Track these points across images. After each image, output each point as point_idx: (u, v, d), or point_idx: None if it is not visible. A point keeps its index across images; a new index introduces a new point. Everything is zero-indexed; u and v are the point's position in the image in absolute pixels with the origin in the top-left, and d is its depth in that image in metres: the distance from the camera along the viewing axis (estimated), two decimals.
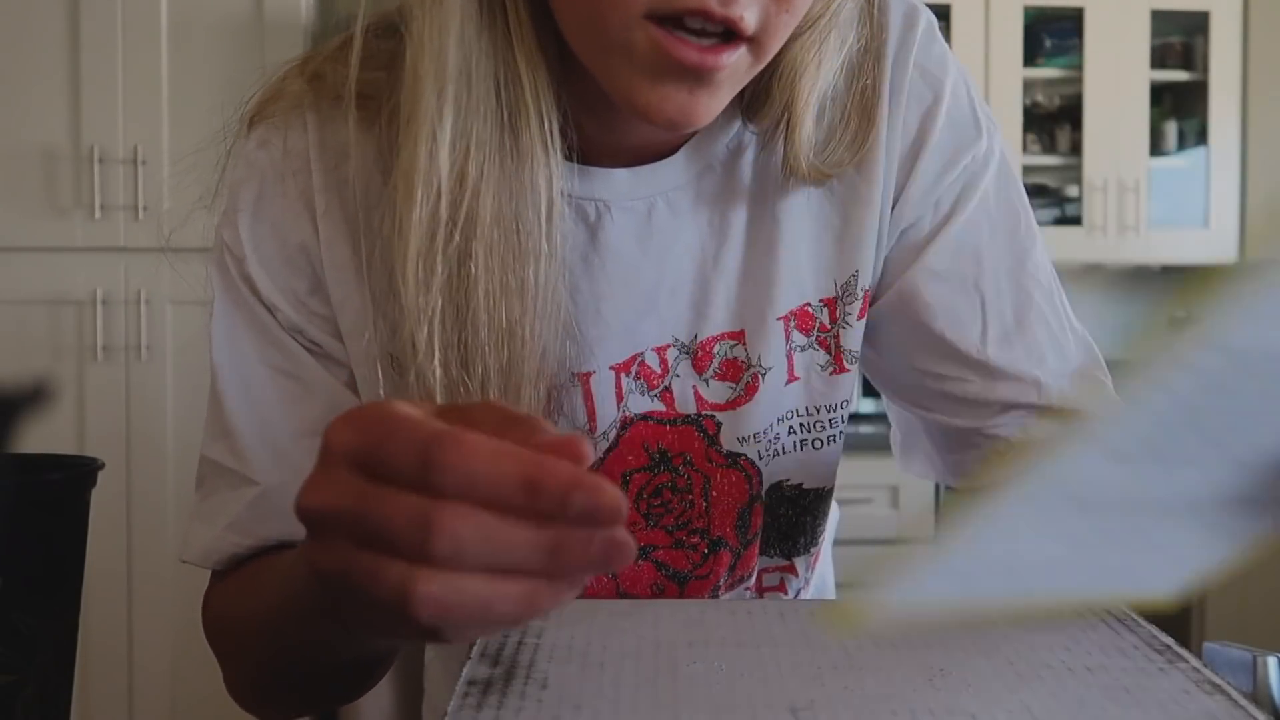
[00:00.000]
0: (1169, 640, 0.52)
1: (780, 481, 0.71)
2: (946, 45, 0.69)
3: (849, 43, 0.65)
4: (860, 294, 0.68)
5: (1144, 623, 0.55)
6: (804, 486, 0.72)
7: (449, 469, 0.34)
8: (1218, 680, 0.47)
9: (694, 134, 0.65)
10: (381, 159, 0.62)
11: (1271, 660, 0.58)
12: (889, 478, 2.63)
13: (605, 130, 0.64)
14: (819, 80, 0.63)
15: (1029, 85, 3.05)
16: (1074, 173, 3.04)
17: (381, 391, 0.63)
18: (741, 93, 0.62)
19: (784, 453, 0.70)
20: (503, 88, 0.58)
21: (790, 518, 0.73)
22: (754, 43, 0.55)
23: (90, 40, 2.37)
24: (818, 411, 0.70)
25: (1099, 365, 0.72)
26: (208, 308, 0.68)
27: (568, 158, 0.62)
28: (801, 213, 0.67)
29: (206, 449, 0.67)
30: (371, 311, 0.63)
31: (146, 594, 2.41)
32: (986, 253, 0.68)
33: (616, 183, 0.65)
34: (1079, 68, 2.98)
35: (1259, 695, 0.57)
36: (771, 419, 0.69)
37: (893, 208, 0.68)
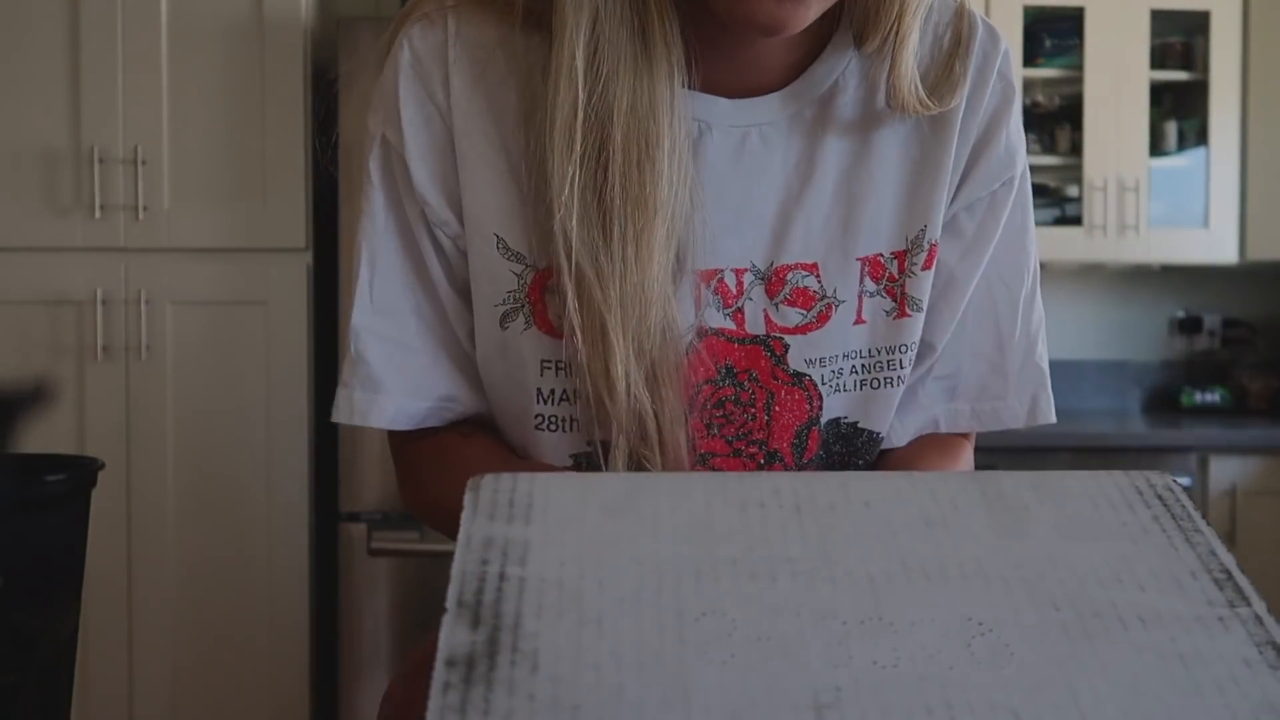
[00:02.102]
0: (1229, 562, 0.46)
1: (838, 418, 0.76)
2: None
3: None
4: (926, 246, 0.75)
5: (1201, 524, 0.48)
6: (859, 425, 0.77)
7: None
8: None
9: (797, 76, 0.74)
10: (527, 57, 0.72)
11: None
12: None
13: (716, 60, 0.72)
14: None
15: (1029, 85, 3.05)
16: (1074, 173, 3.04)
17: (489, 266, 0.73)
18: (852, 16, 0.73)
19: (845, 390, 0.76)
20: (635, 6, 0.68)
21: (843, 455, 0.77)
22: None
23: (90, 40, 2.37)
24: (878, 353, 0.76)
25: (1033, 400, 0.81)
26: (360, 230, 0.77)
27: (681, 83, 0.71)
28: (885, 165, 0.75)
29: (361, 320, 0.76)
30: (503, 192, 0.73)
31: (146, 594, 2.41)
32: (1001, 259, 0.79)
33: (719, 108, 0.73)
34: (1079, 68, 2.99)
35: None
36: (838, 351, 0.75)
37: (958, 187, 0.76)
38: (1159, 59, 3.05)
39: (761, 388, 0.74)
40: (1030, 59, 3.00)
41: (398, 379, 0.75)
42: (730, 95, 0.73)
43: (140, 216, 2.39)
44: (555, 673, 0.39)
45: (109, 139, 2.38)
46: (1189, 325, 3.23)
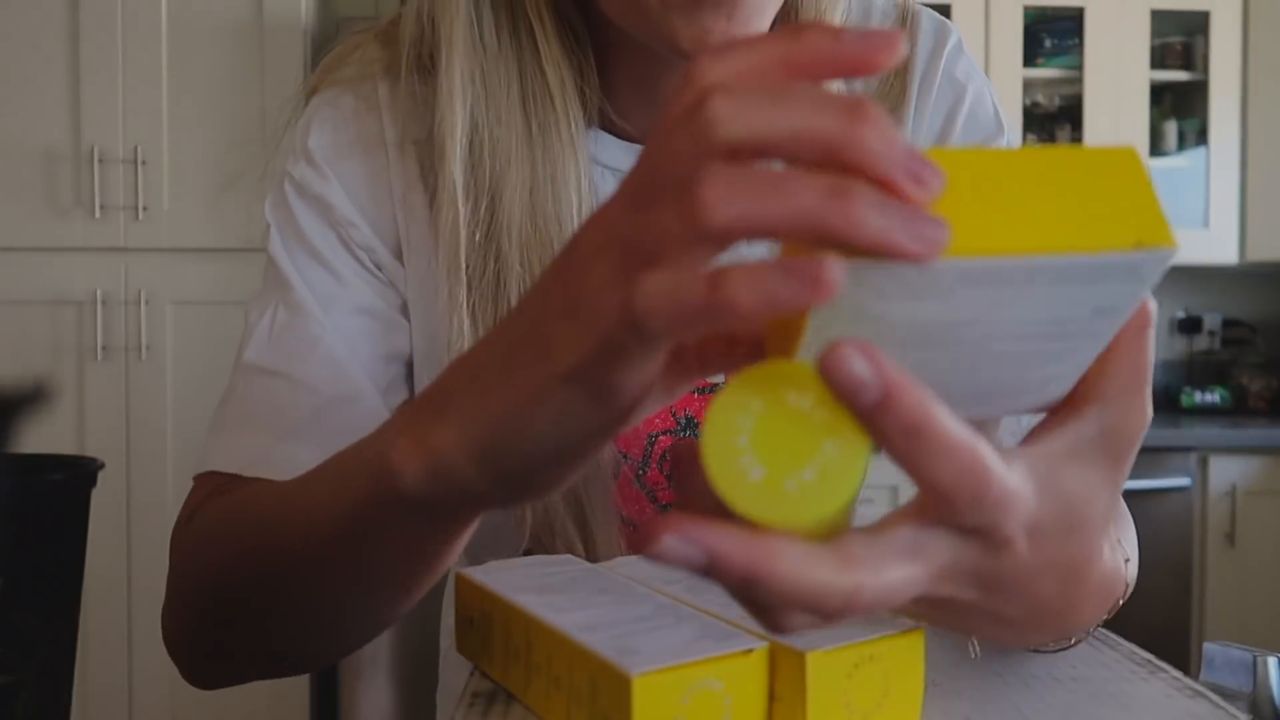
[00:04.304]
0: (1149, 655, 0.55)
1: None
2: (972, 58, 0.74)
3: None
4: None
5: (1123, 641, 0.57)
6: None
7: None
8: (1198, 687, 0.50)
9: None
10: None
11: (1272, 660, 0.58)
12: (889, 478, 2.62)
13: (634, 100, 0.66)
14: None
15: (1029, 85, 3.04)
16: None
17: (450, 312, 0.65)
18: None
19: None
20: (530, 97, 0.61)
21: None
22: None
23: (90, 40, 2.37)
24: None
25: None
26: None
27: (603, 128, 0.66)
28: None
29: (254, 358, 0.67)
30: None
31: (146, 594, 2.41)
32: None
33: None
34: (1079, 68, 2.98)
35: (1259, 695, 0.57)
36: None
37: None
38: (1159, 59, 3.05)
39: None
40: (1030, 59, 3.00)
41: (289, 420, 0.64)
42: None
43: (140, 216, 2.38)
44: None
45: (109, 139, 2.38)
46: (1189, 325, 3.23)
